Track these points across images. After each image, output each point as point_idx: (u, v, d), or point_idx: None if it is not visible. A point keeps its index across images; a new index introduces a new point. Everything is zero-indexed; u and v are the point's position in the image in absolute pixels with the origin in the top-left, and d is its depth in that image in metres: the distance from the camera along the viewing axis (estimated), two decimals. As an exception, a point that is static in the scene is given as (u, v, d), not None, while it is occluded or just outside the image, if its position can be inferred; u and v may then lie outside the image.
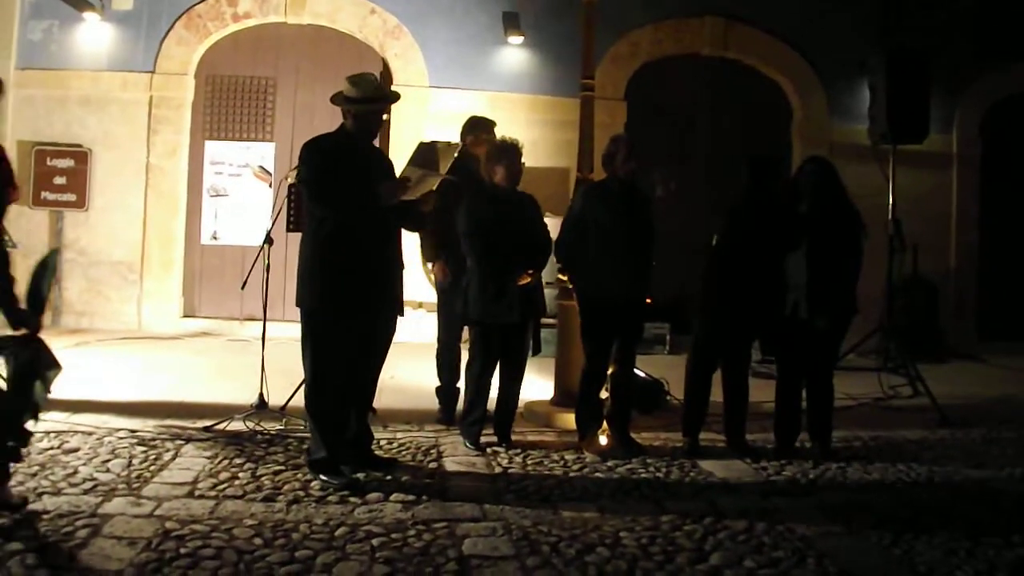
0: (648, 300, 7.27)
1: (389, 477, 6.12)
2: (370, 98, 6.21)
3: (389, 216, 6.17)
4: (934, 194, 13.56)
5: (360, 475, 6.09)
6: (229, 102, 12.92)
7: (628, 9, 12.93)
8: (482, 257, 6.92)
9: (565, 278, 7.74)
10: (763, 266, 7.06)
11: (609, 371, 7.22)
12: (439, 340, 7.91)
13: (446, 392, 7.87)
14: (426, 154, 6.36)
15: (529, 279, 6.87)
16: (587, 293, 7.18)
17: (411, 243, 11.98)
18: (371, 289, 6.07)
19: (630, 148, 7.12)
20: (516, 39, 12.88)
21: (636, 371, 7.75)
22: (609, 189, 7.19)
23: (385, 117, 6.83)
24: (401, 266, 6.41)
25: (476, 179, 7.35)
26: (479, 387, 7.02)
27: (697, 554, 4.93)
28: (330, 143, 6.20)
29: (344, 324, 6.02)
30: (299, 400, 7.16)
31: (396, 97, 6.82)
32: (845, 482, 6.49)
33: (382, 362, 6.44)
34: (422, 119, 12.71)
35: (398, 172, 6.34)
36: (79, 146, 12.37)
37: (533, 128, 12.42)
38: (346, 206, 5.98)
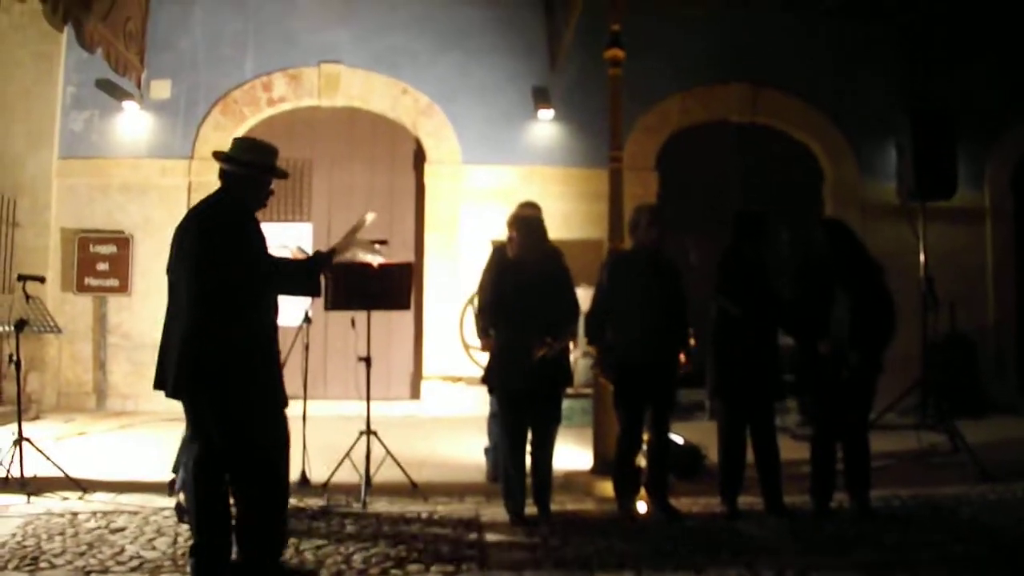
0: (684, 361, 7.34)
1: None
2: (271, 167, 5.76)
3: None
4: (968, 250, 13.58)
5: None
6: (266, 184, 13.13)
7: (656, 79, 13.12)
8: (497, 326, 7.01)
9: (593, 351, 7.78)
10: (759, 323, 7.12)
11: (644, 438, 7.28)
12: (491, 405, 8.05)
13: (494, 448, 8.02)
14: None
15: (547, 349, 6.80)
16: (617, 361, 7.24)
17: (445, 316, 12.15)
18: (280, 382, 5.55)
19: (653, 216, 7.26)
20: (546, 113, 13.08)
21: (673, 437, 7.80)
22: (634, 258, 7.32)
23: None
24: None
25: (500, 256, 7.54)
26: (508, 455, 7.03)
27: (736, 616, 4.96)
28: (243, 214, 5.53)
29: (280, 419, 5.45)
30: (341, 476, 7.29)
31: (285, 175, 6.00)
32: (883, 540, 6.47)
33: None
34: (456, 195, 12.91)
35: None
36: (121, 232, 12.63)
37: (566, 201, 12.59)
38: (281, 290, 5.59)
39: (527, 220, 7.16)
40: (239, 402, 5.21)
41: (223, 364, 5.18)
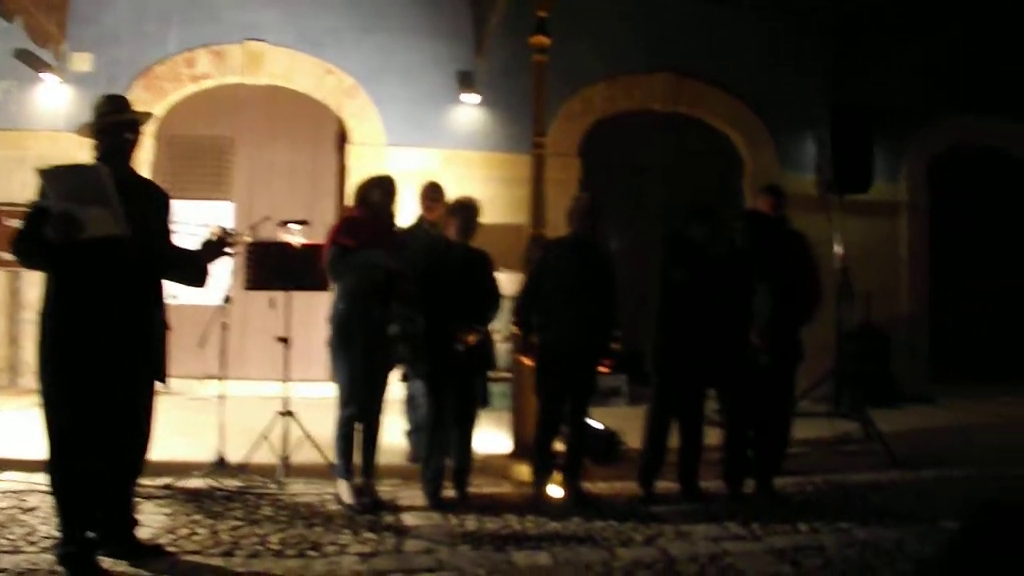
0: (608, 362, 7.39)
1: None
2: (116, 112, 5.75)
3: (141, 271, 5.75)
4: (884, 242, 13.90)
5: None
6: (188, 162, 12.97)
7: (581, 67, 13.18)
8: (426, 311, 7.00)
9: (517, 332, 7.78)
10: (711, 309, 7.18)
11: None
12: (406, 388, 8.11)
13: (415, 431, 8.07)
14: (84, 180, 5.42)
15: (475, 336, 6.92)
16: (542, 347, 7.30)
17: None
18: (109, 355, 5.41)
19: (588, 206, 7.32)
20: (471, 97, 13.07)
21: (591, 422, 7.86)
22: (567, 246, 7.37)
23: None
24: (162, 327, 5.83)
25: (430, 240, 7.54)
26: (431, 439, 7.09)
27: (648, 599, 5.03)
28: (67, 169, 5.41)
29: (80, 393, 5.45)
30: (258, 457, 7.25)
31: (146, 117, 6.03)
32: (795, 525, 6.60)
33: (143, 433, 5.59)
34: (380, 177, 12.83)
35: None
36: (37, 207, 12.35)
37: (489, 185, 12.56)
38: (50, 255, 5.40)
39: (467, 206, 7.20)
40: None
41: None
